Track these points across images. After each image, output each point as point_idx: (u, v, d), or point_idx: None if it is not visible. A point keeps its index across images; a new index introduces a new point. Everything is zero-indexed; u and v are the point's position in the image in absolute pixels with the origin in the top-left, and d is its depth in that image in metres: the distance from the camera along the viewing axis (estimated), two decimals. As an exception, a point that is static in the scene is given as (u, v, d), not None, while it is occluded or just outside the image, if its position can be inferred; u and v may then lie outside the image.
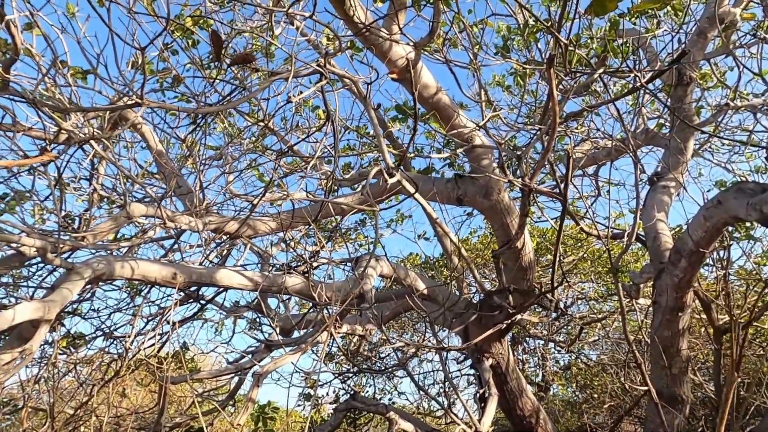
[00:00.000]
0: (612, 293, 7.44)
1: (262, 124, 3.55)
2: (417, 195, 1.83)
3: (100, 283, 3.34)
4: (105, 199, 3.01)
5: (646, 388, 3.46)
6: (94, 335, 4.01)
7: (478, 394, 2.93)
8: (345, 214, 3.26)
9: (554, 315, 2.57)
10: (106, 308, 3.41)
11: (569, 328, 8.26)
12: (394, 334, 7.43)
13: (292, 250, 3.27)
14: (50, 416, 3.60)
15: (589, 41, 4.04)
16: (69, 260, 2.07)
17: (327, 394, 7.35)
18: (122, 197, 2.30)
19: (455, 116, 2.82)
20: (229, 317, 5.00)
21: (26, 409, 3.60)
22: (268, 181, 2.57)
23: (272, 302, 4.99)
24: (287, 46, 2.67)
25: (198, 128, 2.97)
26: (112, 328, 3.50)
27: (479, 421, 2.56)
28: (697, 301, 4.05)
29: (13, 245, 1.91)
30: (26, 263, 2.25)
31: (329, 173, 2.70)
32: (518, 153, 2.37)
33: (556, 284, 2.25)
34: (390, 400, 8.02)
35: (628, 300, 4.82)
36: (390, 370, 4.31)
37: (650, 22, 4.32)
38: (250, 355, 3.61)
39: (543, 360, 8.58)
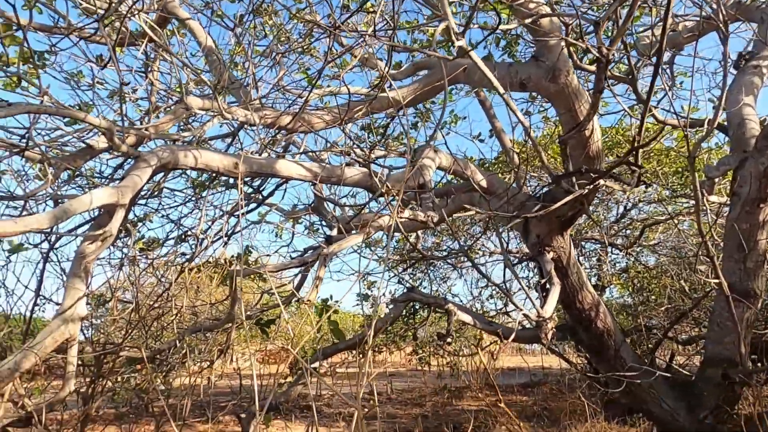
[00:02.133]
0: (677, 194, 7.08)
1: (311, 20, 3.37)
2: (484, 68, 1.67)
3: (168, 178, 3.46)
4: (165, 97, 3.02)
5: (717, 281, 3.34)
6: (167, 237, 4.27)
7: (539, 285, 2.92)
8: (400, 106, 3.13)
9: (634, 187, 2.44)
10: (171, 209, 3.56)
11: (628, 231, 8.04)
12: (448, 240, 7.50)
13: (346, 145, 3.21)
14: (136, 308, 3.96)
15: None
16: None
17: (383, 295, 7.69)
18: (179, 91, 2.28)
19: (521, -12, 2.54)
20: (288, 220, 5.16)
21: (115, 300, 3.97)
22: (320, 68, 2.47)
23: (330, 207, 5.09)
24: None
25: (243, 23, 2.85)
26: (181, 228, 3.68)
27: (542, 307, 2.56)
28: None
29: (84, 137, 1.95)
30: (96, 156, 2.32)
31: (375, 63, 2.55)
32: (595, 20, 2.11)
33: (641, 146, 2.07)
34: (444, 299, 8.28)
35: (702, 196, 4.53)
36: (453, 254, 4.35)
37: None
38: (309, 252, 3.73)
39: (599, 263, 8.49)
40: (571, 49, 2.46)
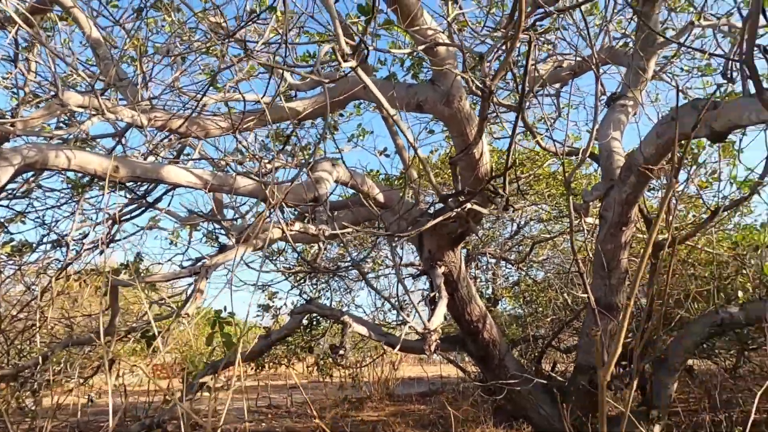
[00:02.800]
0: (563, 215, 7.73)
1: (210, 18, 3.28)
2: (369, 81, 1.74)
3: (38, 183, 3.15)
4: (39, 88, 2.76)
5: (585, 295, 3.70)
6: (39, 240, 3.87)
7: (428, 297, 3.04)
8: (300, 117, 3.14)
9: (502, 211, 2.63)
10: (47, 208, 3.25)
11: (521, 247, 8.63)
12: (352, 250, 7.57)
13: (243, 155, 3.15)
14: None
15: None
16: (-4, 147, 1.91)
17: (285, 305, 7.55)
18: (53, 84, 2.10)
19: (418, 14, 2.67)
20: (183, 227, 4.91)
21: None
22: (212, 73, 2.40)
23: (229, 214, 4.92)
24: None
25: (139, 18, 2.70)
26: (53, 230, 3.36)
27: (429, 320, 2.67)
28: (640, 218, 4.26)
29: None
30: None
31: (279, 71, 2.54)
32: (480, 54, 2.28)
33: (508, 169, 2.26)
34: (340, 311, 8.31)
35: (577, 217, 5.01)
36: (345, 269, 4.39)
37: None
38: (204, 260, 3.58)
39: (494, 276, 9.03)
40: (465, 75, 2.63)
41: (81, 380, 4.39)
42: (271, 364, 9.07)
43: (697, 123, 2.53)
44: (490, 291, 8.80)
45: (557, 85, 5.14)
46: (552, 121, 5.48)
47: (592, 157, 4.26)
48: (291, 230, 2.09)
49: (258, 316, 8.17)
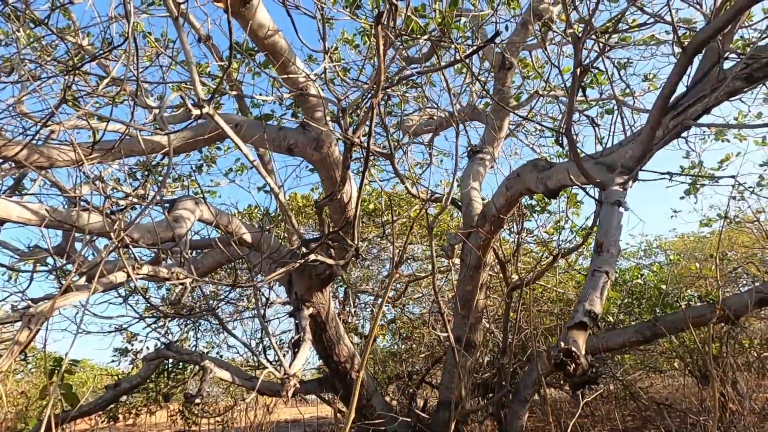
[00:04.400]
0: (437, 254, 8.19)
1: (70, 38, 3.05)
2: (227, 128, 1.74)
3: None
4: None
5: (445, 334, 3.94)
6: None
7: (292, 340, 3.02)
8: (162, 151, 3.01)
9: (351, 259, 2.73)
10: None
11: (398, 285, 8.93)
12: (222, 288, 7.23)
13: (93, 185, 2.91)
14: None
15: (432, 14, 4.24)
16: None
17: (147, 348, 6.92)
18: None
19: (291, 63, 2.75)
20: (25, 262, 4.37)
21: None
22: (58, 102, 2.23)
23: (82, 248, 4.46)
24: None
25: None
26: None
27: (290, 364, 2.64)
28: (496, 261, 4.67)
29: None
30: None
31: (144, 100, 2.43)
32: (342, 107, 2.41)
33: (355, 219, 2.37)
34: (218, 353, 7.87)
35: (446, 259, 5.34)
36: (199, 313, 4.18)
37: (489, 6, 4.68)
38: (44, 302, 3.19)
39: (372, 314, 9.19)
40: (334, 121, 2.74)
41: None
42: (127, 414, 8.18)
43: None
44: (367, 329, 8.92)
45: (427, 137, 5.55)
46: (424, 168, 5.86)
47: (454, 204, 4.61)
48: (138, 274, 1.96)
49: (114, 361, 7.38)
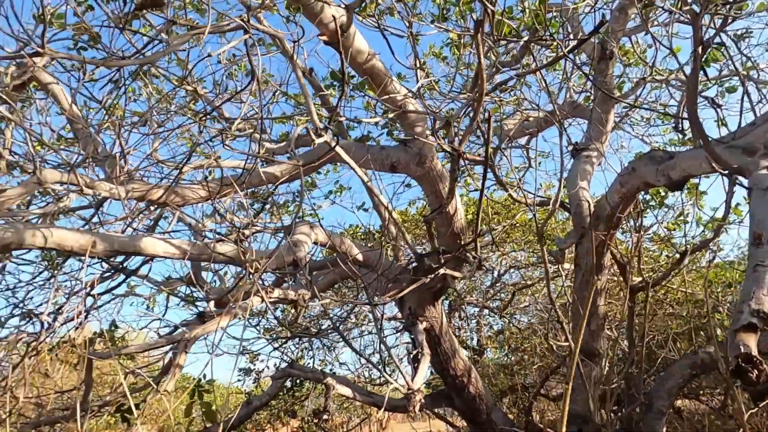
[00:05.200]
0: (541, 261, 7.85)
1: (187, 86, 3.39)
2: (343, 154, 1.83)
3: (12, 257, 3.12)
4: (14, 167, 2.79)
5: (567, 344, 3.73)
6: (10, 314, 3.76)
7: (411, 355, 3.03)
8: (278, 182, 3.21)
9: (475, 271, 2.69)
10: (21, 284, 3.19)
11: (502, 295, 8.67)
12: (333, 309, 7.49)
13: (222, 218, 3.18)
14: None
15: (521, 14, 4.14)
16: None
17: (267, 368, 7.34)
18: (32, 161, 2.14)
19: (388, 82, 2.82)
20: (161, 292, 4.84)
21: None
22: (192, 145, 2.48)
23: (208, 277, 4.87)
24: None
25: (118, 89, 2.79)
26: (28, 306, 3.29)
27: (412, 379, 2.65)
28: (614, 263, 4.37)
29: None
30: None
31: (257, 137, 2.63)
32: (447, 119, 2.41)
33: (478, 236, 2.34)
34: (331, 370, 8.13)
35: (554, 265, 5.11)
36: (324, 332, 4.35)
37: (578, -2, 4.48)
38: (183, 328, 3.52)
39: (478, 326, 8.99)
40: (436, 134, 2.75)
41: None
42: (254, 431, 8.70)
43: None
44: (475, 341, 8.73)
45: (524, 139, 5.38)
46: (522, 172, 5.68)
47: (563, 206, 4.40)
48: (271, 297, 2.10)
49: (240, 380, 7.91)
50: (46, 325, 2.61)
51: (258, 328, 6.48)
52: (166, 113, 3.66)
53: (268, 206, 3.96)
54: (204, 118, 2.20)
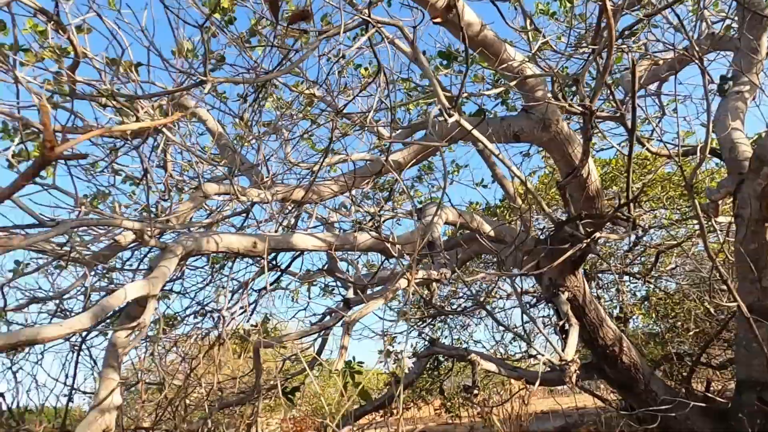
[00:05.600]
0: (687, 217, 7.11)
1: (310, 93, 3.61)
2: (476, 132, 1.82)
3: (185, 263, 3.59)
4: (177, 186, 3.20)
5: (735, 304, 3.34)
6: (186, 313, 4.36)
7: (557, 327, 2.95)
8: (402, 168, 3.29)
9: (631, 233, 2.51)
10: (193, 286, 3.68)
11: (643, 258, 8.00)
12: (463, 287, 7.51)
13: (358, 209, 3.36)
14: (161, 388, 4.00)
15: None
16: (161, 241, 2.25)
17: (405, 349, 7.61)
18: (196, 179, 2.45)
19: (503, 50, 2.74)
20: (304, 284, 5.24)
21: (142, 383, 4.01)
22: (326, 146, 2.64)
23: (342, 267, 5.18)
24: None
25: (255, 102, 3.06)
26: (200, 304, 3.79)
27: (563, 350, 2.59)
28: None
29: (112, 234, 2.09)
30: (119, 252, 2.47)
31: (388, 124, 2.73)
32: (575, 76, 2.28)
33: (631, 198, 2.18)
34: (465, 350, 8.17)
35: (706, 219, 4.58)
36: (469, 309, 4.39)
37: None
38: (330, 315, 3.80)
39: (618, 294, 8.40)
40: (559, 95, 2.61)
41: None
42: (398, 409, 9.09)
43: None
44: (617, 310, 8.18)
45: (654, 85, 4.87)
46: (656, 122, 5.16)
47: (713, 153, 3.93)
48: (416, 279, 2.18)
49: (381, 362, 8.32)
50: (221, 320, 2.99)
51: (393, 311, 6.75)
52: (290, 119, 3.93)
53: (392, 195, 4.08)
54: (336, 116, 2.34)
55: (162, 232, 2.39)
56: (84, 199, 2.21)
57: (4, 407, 3.14)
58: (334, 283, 5.60)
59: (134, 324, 1.87)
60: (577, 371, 2.41)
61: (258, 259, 2.91)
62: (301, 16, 1.55)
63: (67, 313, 2.59)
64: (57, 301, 2.45)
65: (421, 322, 5.44)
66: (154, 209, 2.83)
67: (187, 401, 4.26)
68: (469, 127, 1.83)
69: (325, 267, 5.09)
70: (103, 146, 3.16)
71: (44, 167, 0.74)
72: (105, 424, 2.28)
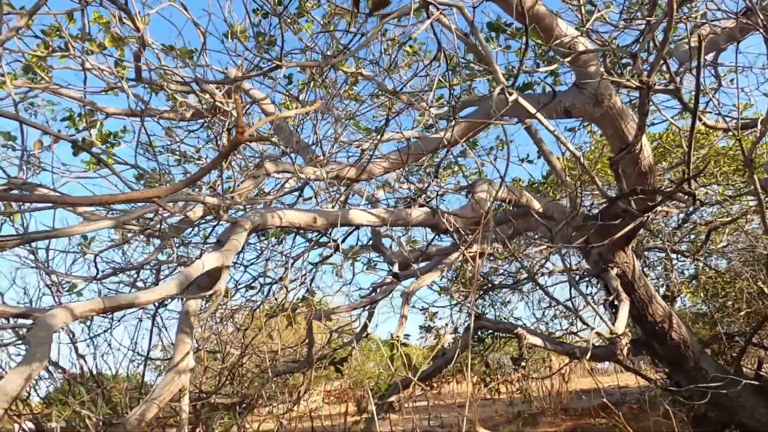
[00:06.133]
0: (741, 193, 6.85)
1: (357, 72, 3.67)
2: (532, 108, 1.86)
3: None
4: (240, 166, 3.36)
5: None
6: (240, 286, 4.60)
7: (607, 302, 2.98)
8: (450, 145, 3.34)
9: (692, 207, 2.48)
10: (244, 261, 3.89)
11: (693, 236, 7.78)
12: (504, 264, 7.52)
13: (408, 185, 3.44)
14: (223, 356, 4.28)
15: None
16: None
17: (446, 325, 7.74)
18: (257, 158, 2.58)
19: (555, 24, 2.72)
20: (348, 260, 5.40)
21: (204, 351, 4.29)
22: (383, 125, 2.73)
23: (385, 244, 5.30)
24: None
25: (312, 83, 3.17)
26: (258, 276, 4.00)
27: (613, 324, 2.62)
28: None
29: (185, 210, 2.26)
30: (189, 227, 2.65)
31: (444, 103, 2.78)
32: (632, 50, 2.26)
33: (693, 173, 2.17)
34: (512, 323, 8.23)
35: (765, 195, 4.42)
36: (519, 282, 4.44)
37: None
38: (379, 289, 3.94)
39: (665, 272, 8.21)
40: (613, 70, 2.59)
41: (289, 404, 5.02)
42: (438, 383, 9.26)
43: None
44: (663, 289, 8.01)
45: (711, 56, 4.68)
46: (713, 93, 4.97)
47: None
48: (470, 253, 2.26)
49: (421, 337, 8.48)
50: (283, 291, 3.16)
51: (435, 287, 6.86)
52: (341, 101, 4.02)
53: (441, 170, 4.14)
54: (395, 95, 2.41)
55: (229, 207, 2.54)
56: (168, 177, 2.39)
57: (86, 369, 3.46)
58: (377, 259, 5.74)
59: (211, 292, 2.03)
60: (628, 344, 2.45)
61: (313, 234, 3.05)
62: (384, 3, 1.61)
63: (142, 283, 2.81)
64: (135, 272, 2.67)
65: (463, 298, 5.53)
66: (221, 188, 3.01)
67: (243, 369, 4.53)
68: (532, 109, 1.87)
69: (370, 243, 5.23)
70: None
71: (236, 148, 0.86)
72: (181, 384, 2.49)
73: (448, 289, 6.71)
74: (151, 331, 2.79)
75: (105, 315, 2.99)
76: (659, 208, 2.57)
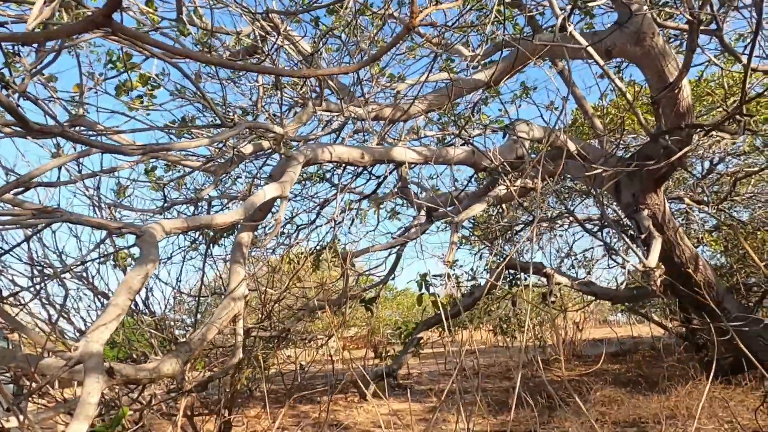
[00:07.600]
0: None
1: (389, 14, 3.66)
2: (589, 48, 1.89)
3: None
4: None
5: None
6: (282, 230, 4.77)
7: (639, 239, 3.07)
8: (485, 86, 3.37)
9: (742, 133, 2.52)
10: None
11: (716, 187, 7.74)
12: (521, 213, 7.60)
13: (441, 126, 3.50)
14: (262, 296, 4.51)
15: None
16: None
17: (464, 273, 7.92)
18: (310, 98, 2.66)
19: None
20: (372, 206, 5.53)
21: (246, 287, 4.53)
22: (429, 63, 2.77)
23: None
24: None
25: (348, 27, 3.19)
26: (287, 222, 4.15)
27: (646, 258, 2.73)
28: None
29: (239, 146, 2.37)
30: (242, 162, 2.76)
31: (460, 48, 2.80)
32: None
33: (749, 100, 2.18)
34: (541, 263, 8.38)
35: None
36: (562, 215, 4.55)
37: None
38: (413, 228, 4.07)
39: (687, 222, 8.24)
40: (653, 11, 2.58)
41: (321, 342, 5.30)
42: (455, 329, 9.55)
43: None
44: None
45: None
46: (748, 38, 4.84)
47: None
48: (514, 187, 2.35)
49: (442, 284, 8.71)
50: (334, 226, 3.29)
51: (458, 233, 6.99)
52: (375, 44, 4.02)
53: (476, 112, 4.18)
54: (441, 34, 2.44)
55: (278, 141, 2.65)
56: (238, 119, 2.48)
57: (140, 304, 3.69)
58: (401, 206, 5.85)
59: (272, 221, 2.17)
60: (662, 276, 2.56)
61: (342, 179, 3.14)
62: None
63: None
64: (195, 204, 2.83)
65: (489, 244, 5.66)
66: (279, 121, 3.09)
67: (279, 306, 4.77)
68: (582, 40, 1.90)
69: (396, 188, 5.34)
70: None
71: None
72: (237, 309, 2.69)
73: (469, 237, 6.84)
74: (204, 264, 2.97)
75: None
76: (713, 134, 2.60)
